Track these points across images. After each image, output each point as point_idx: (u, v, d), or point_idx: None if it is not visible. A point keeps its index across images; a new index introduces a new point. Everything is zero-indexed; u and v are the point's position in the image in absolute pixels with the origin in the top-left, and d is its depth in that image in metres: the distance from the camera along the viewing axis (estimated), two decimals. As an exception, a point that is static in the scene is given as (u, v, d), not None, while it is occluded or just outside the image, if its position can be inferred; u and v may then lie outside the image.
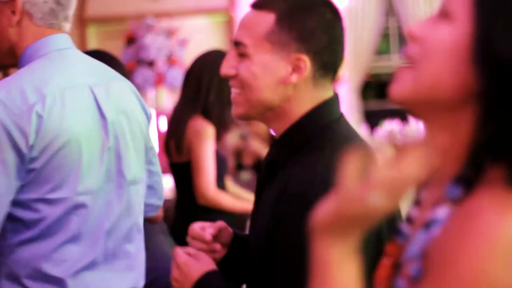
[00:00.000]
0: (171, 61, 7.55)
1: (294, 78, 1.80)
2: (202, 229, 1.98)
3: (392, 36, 11.47)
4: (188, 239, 2.00)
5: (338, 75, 1.92)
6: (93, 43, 9.83)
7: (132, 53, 6.59)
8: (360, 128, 9.39)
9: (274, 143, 1.93)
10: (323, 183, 1.63)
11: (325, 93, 1.86)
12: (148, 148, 2.54)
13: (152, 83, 6.63)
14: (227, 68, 1.86)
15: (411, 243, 1.15)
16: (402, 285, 1.13)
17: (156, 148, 2.76)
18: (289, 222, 1.70)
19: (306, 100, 1.83)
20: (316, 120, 1.83)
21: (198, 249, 1.94)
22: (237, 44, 1.85)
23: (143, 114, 2.51)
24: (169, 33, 6.74)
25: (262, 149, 6.38)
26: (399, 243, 1.24)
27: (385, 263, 1.23)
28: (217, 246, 1.99)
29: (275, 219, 1.74)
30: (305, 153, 1.78)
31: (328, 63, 1.83)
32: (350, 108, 10.43)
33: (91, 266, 2.30)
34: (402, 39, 11.19)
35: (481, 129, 1.09)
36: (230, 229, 2.04)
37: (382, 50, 11.55)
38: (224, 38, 9.74)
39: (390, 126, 9.58)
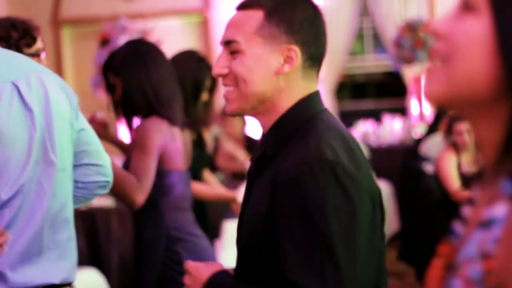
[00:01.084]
0: (145, 62, 7.52)
1: (286, 68, 1.88)
2: (196, 270, 1.98)
3: (367, 37, 11.51)
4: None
5: (319, 69, 1.97)
6: (67, 45, 9.81)
7: (106, 54, 6.58)
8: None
9: (262, 138, 1.98)
10: (314, 164, 1.74)
11: (312, 86, 1.94)
12: (79, 132, 2.61)
13: (126, 85, 6.63)
14: (219, 67, 1.93)
15: (467, 243, 1.10)
16: (458, 287, 1.08)
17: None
18: (288, 208, 1.76)
19: (295, 92, 1.91)
20: (303, 110, 1.90)
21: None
22: (228, 43, 1.92)
23: (67, 102, 2.56)
24: (143, 34, 6.73)
25: (236, 150, 6.37)
26: (452, 244, 1.20)
27: (438, 264, 1.21)
28: None
29: (273, 208, 1.79)
30: (293, 141, 1.84)
31: (315, 54, 1.91)
32: (325, 108, 10.47)
33: (27, 258, 2.38)
34: (377, 40, 11.24)
35: None
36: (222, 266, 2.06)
37: (356, 50, 11.59)
38: (198, 39, 9.75)
39: (364, 126, 9.65)
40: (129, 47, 3.53)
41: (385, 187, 8.14)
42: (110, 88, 3.57)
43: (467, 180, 5.47)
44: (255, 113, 1.94)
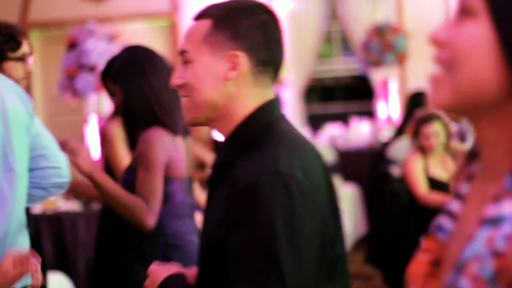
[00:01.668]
0: (113, 66, 7.49)
1: (232, 74, 1.89)
2: (155, 272, 2.02)
3: (335, 40, 11.56)
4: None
5: (279, 76, 2.00)
6: (35, 48, 9.74)
7: (74, 58, 6.54)
8: (304, 132, 9.45)
9: (222, 145, 1.99)
10: (270, 173, 1.75)
11: (267, 93, 1.94)
12: (34, 137, 2.62)
13: (93, 88, 6.59)
14: (175, 78, 1.96)
15: (472, 241, 1.07)
16: (465, 285, 1.06)
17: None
18: (238, 218, 1.76)
19: (248, 98, 1.91)
20: (260, 118, 1.90)
21: None
22: (181, 53, 1.96)
23: (22, 108, 2.57)
24: (111, 38, 6.71)
25: (204, 154, 6.36)
26: (439, 239, 1.20)
27: (422, 259, 1.20)
28: None
29: (228, 215, 1.80)
30: (250, 150, 1.85)
31: (265, 59, 1.91)
32: (293, 111, 10.48)
33: None
34: (345, 43, 11.28)
35: None
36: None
37: (325, 54, 11.63)
38: (166, 43, 9.73)
39: (332, 129, 9.68)
40: (126, 53, 3.44)
41: (352, 190, 8.18)
42: (111, 95, 3.53)
43: (434, 183, 5.49)
44: (211, 122, 1.95)
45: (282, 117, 1.94)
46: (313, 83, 11.64)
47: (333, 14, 10.80)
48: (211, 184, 1.98)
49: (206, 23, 1.92)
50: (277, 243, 1.70)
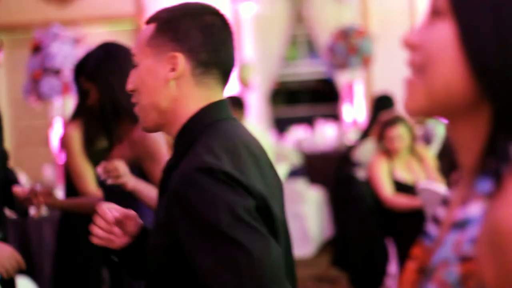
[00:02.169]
0: (78, 69, 7.44)
1: (171, 75, 1.90)
2: (110, 209, 2.03)
3: (301, 44, 11.60)
4: (96, 215, 2.07)
5: (228, 79, 1.98)
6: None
7: (38, 61, 6.48)
8: (269, 134, 9.46)
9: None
10: (194, 172, 1.74)
11: (212, 94, 1.93)
12: None
13: (58, 92, 6.53)
14: (128, 84, 1.98)
15: (441, 246, 1.06)
16: None
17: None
18: (181, 219, 1.76)
19: (191, 100, 1.91)
20: (203, 119, 1.90)
21: (99, 227, 2.04)
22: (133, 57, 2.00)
23: None
24: (76, 41, 6.66)
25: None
26: (426, 246, 1.16)
27: (411, 267, 1.17)
28: (116, 230, 2.05)
29: (168, 217, 1.80)
30: (188, 152, 1.85)
31: (207, 61, 1.90)
32: (259, 114, 10.49)
33: None
34: (311, 46, 11.32)
35: (498, 125, 1.03)
36: (139, 221, 2.09)
37: (290, 57, 11.66)
38: (131, 46, 9.69)
39: (298, 132, 9.71)
40: (101, 51, 3.38)
41: (318, 193, 8.21)
42: (82, 94, 3.48)
43: (399, 186, 5.53)
44: (160, 127, 1.95)
45: (228, 119, 1.94)
46: (279, 86, 11.67)
47: (298, 17, 10.84)
48: (160, 189, 1.96)
49: (151, 27, 1.94)
50: (230, 227, 1.70)
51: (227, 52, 1.94)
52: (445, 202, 1.18)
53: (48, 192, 3.40)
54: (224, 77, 1.95)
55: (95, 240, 2.04)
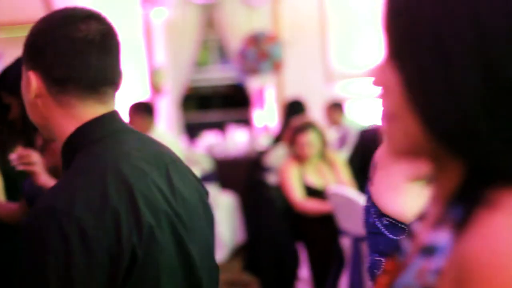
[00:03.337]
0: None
1: (28, 95, 1.80)
2: None
3: (212, 49, 11.59)
4: None
5: (102, 92, 1.81)
6: None
7: None
8: (181, 140, 9.42)
9: None
10: (44, 210, 1.60)
11: (81, 113, 1.79)
12: None
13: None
14: None
15: (406, 270, 1.00)
16: None
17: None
18: (21, 259, 1.64)
19: (60, 119, 1.79)
20: (74, 142, 1.79)
21: None
22: None
23: None
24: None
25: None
26: (398, 261, 1.12)
27: (383, 281, 1.12)
28: None
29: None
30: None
31: (62, 78, 1.76)
32: (170, 120, 10.44)
33: None
34: (222, 52, 11.33)
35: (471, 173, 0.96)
36: None
37: (202, 62, 11.64)
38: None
39: (209, 138, 9.70)
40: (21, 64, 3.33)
41: (230, 199, 8.21)
42: (3, 108, 3.40)
43: (310, 191, 5.57)
44: (55, 142, 1.87)
45: (103, 138, 1.79)
46: (190, 91, 11.64)
47: (209, 22, 10.84)
48: None
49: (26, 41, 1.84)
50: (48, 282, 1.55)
51: (90, 66, 1.77)
52: (422, 216, 1.12)
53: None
54: (94, 92, 1.79)
55: None
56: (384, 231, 2.09)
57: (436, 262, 0.94)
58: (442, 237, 0.95)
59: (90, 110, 1.79)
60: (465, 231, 0.90)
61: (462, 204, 0.94)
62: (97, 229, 1.58)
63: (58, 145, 1.83)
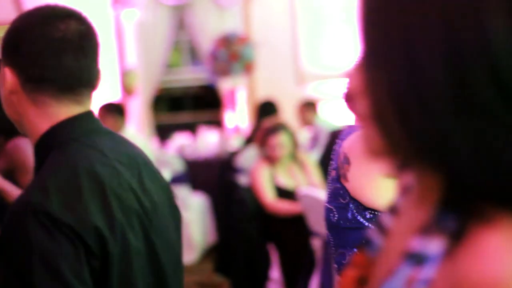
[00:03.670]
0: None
1: (5, 90, 1.80)
2: None
3: (183, 50, 11.58)
4: None
5: (78, 92, 1.82)
6: None
7: None
8: (152, 142, 9.40)
9: None
10: (18, 209, 1.62)
11: (56, 112, 1.80)
12: None
13: None
14: None
15: (392, 276, 0.96)
16: None
17: None
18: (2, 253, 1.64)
19: (34, 117, 1.79)
20: (48, 141, 1.79)
21: None
22: None
23: None
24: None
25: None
26: (368, 255, 1.09)
27: (350, 274, 1.10)
28: None
29: None
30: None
31: (37, 77, 1.77)
32: (141, 121, 10.41)
33: None
34: (193, 53, 11.31)
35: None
36: None
37: (173, 63, 11.62)
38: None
39: (181, 139, 9.68)
40: None
41: (201, 200, 8.20)
42: None
43: (281, 192, 5.58)
44: (29, 140, 1.86)
45: (77, 138, 1.80)
46: (162, 92, 11.61)
47: (180, 24, 10.82)
48: None
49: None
50: (35, 281, 1.56)
51: (65, 65, 1.78)
52: (392, 210, 1.08)
53: None
54: (69, 92, 1.80)
55: None
56: (368, 225, 2.09)
57: (426, 272, 0.90)
58: (433, 246, 0.91)
59: (65, 110, 1.80)
60: (460, 245, 0.87)
61: (454, 214, 0.90)
62: (74, 223, 1.60)
63: (31, 143, 1.83)
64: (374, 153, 0.98)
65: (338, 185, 2.15)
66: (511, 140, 0.86)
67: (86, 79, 1.81)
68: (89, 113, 1.84)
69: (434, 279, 0.88)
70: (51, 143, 1.78)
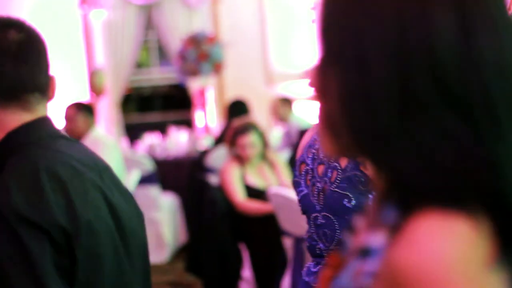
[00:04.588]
0: None
1: None
2: None
3: (152, 50, 11.55)
4: None
5: (24, 101, 1.82)
6: None
7: None
8: (121, 142, 9.36)
9: None
10: None
11: (5, 120, 1.82)
12: None
13: None
14: None
15: (344, 271, 1.00)
16: None
17: None
18: None
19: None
20: (6, 144, 1.80)
21: None
22: None
23: None
24: None
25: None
26: (341, 255, 1.10)
27: (325, 274, 1.10)
28: None
29: None
30: None
31: None
32: (110, 121, 10.37)
33: None
34: (162, 53, 11.29)
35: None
36: None
37: (142, 63, 11.59)
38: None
39: (150, 139, 9.65)
40: None
41: (171, 200, 8.19)
42: None
43: (251, 191, 5.58)
44: None
45: (33, 144, 1.82)
46: (131, 92, 11.58)
47: (149, 23, 10.79)
48: None
49: None
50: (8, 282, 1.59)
51: (3, 73, 1.80)
52: (365, 211, 1.10)
53: None
54: (15, 100, 1.82)
55: None
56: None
57: (371, 264, 0.94)
58: (377, 239, 0.95)
59: (14, 117, 1.82)
60: (398, 236, 0.90)
61: (396, 208, 0.93)
62: (40, 220, 1.63)
63: None
64: (329, 154, 1.01)
65: (358, 173, 2.18)
66: (445, 141, 0.90)
67: (32, 86, 1.82)
68: (42, 119, 1.86)
69: (378, 271, 0.91)
70: (8, 149, 1.79)
